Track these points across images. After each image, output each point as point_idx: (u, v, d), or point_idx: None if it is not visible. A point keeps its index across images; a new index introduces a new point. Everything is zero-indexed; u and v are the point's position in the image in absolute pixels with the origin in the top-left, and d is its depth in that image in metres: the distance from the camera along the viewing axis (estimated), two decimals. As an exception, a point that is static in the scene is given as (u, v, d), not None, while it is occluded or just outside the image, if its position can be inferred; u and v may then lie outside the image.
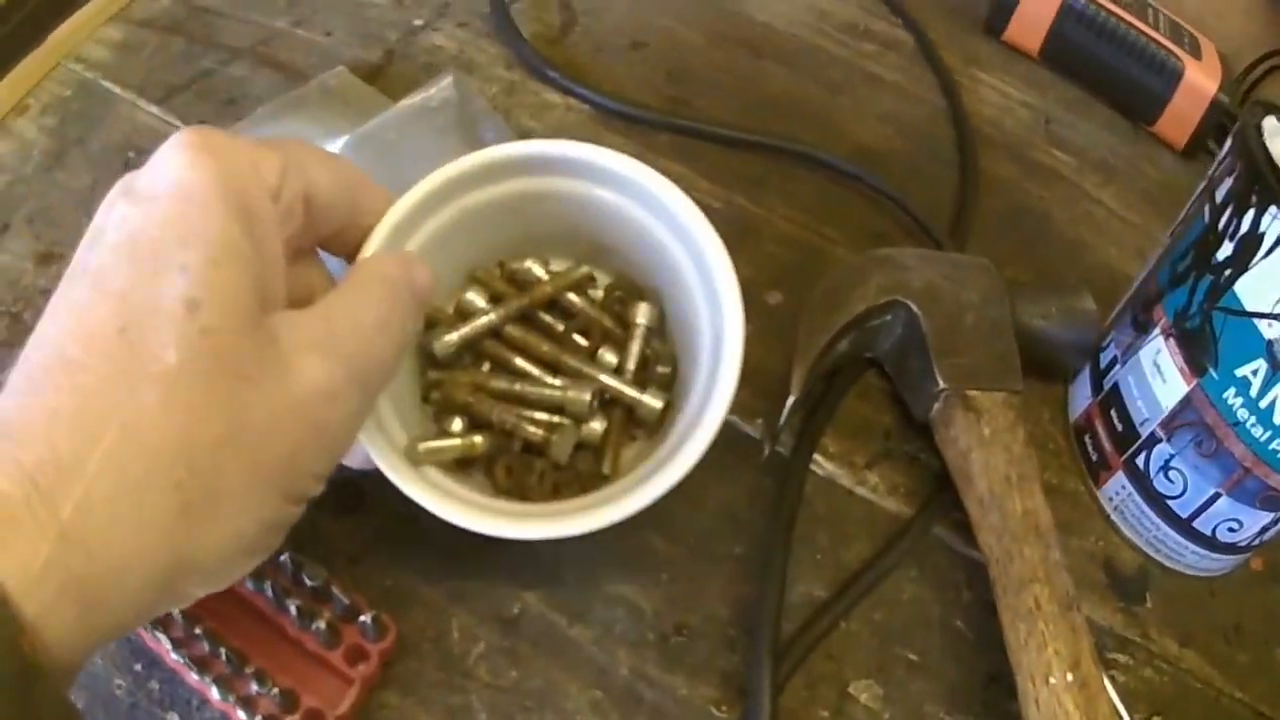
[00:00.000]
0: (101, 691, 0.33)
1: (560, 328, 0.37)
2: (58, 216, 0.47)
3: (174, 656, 0.34)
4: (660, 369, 0.36)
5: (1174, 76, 0.49)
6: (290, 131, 0.44)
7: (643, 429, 0.35)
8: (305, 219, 0.28)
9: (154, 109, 0.50)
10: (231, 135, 0.26)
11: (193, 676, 0.34)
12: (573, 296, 0.37)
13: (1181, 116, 0.50)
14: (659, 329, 0.37)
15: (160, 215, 0.24)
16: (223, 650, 0.33)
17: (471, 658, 0.34)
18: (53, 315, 0.24)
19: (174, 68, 0.52)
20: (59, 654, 0.22)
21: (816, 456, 0.39)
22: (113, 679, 0.34)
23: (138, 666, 0.34)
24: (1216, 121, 0.49)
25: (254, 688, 0.33)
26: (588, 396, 0.34)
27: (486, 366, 0.36)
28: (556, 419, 0.34)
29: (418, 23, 0.52)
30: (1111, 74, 0.51)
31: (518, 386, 0.35)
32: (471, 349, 0.36)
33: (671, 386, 0.36)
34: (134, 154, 0.49)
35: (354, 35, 0.51)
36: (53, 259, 0.46)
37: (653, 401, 0.34)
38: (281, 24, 0.52)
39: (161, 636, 0.34)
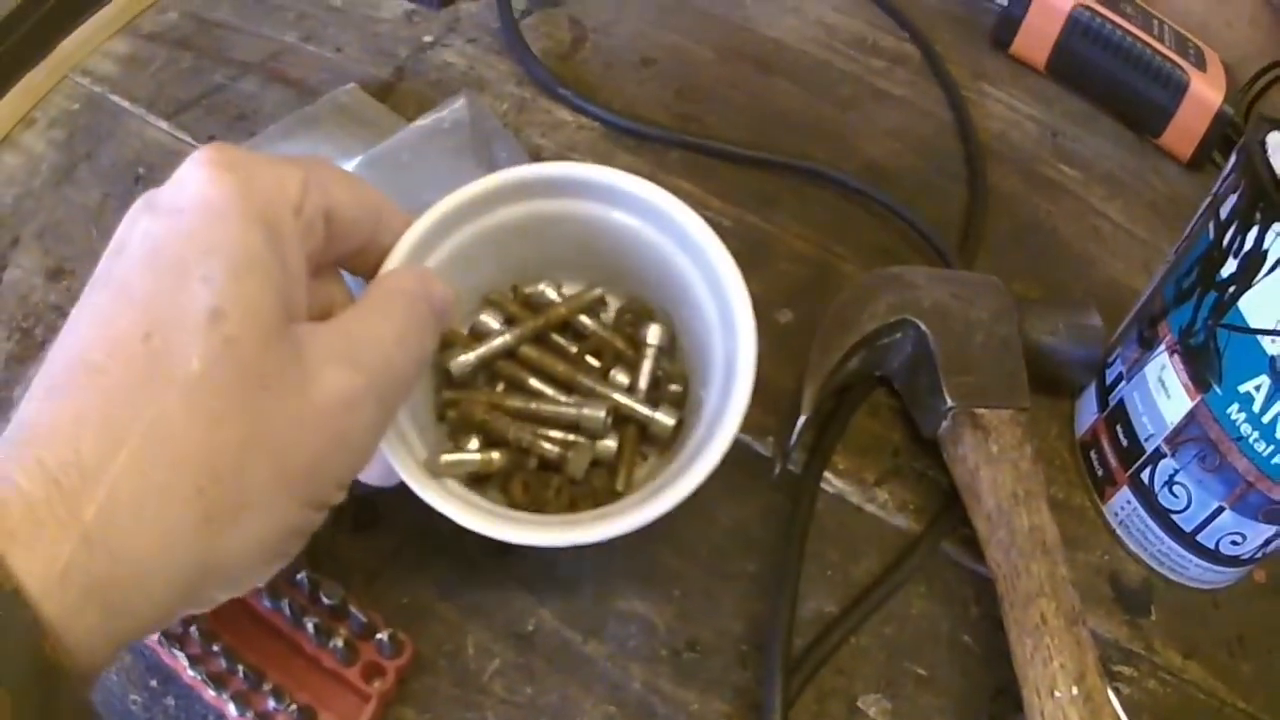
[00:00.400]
0: (117, 707, 0.34)
1: (573, 349, 0.38)
2: (67, 232, 0.48)
3: (191, 673, 0.34)
4: (672, 388, 0.37)
5: (1179, 89, 0.50)
6: (303, 150, 0.45)
7: (655, 446, 0.37)
8: (326, 236, 0.29)
9: (163, 124, 0.51)
10: (252, 152, 0.27)
11: (209, 693, 0.34)
12: (585, 319, 0.38)
13: (1187, 128, 0.51)
14: (670, 349, 0.38)
15: (184, 228, 0.25)
16: (240, 667, 0.34)
17: (487, 674, 0.35)
18: (75, 324, 0.25)
19: (183, 83, 0.53)
20: (80, 657, 0.23)
21: (827, 474, 0.40)
22: (128, 695, 0.35)
23: (153, 683, 0.35)
24: (1221, 133, 0.50)
25: (271, 704, 0.34)
26: (603, 413, 0.35)
27: (501, 387, 0.37)
28: (571, 437, 0.36)
29: (428, 39, 0.53)
30: (1117, 87, 0.52)
31: (533, 405, 0.36)
32: (486, 369, 0.37)
33: (683, 404, 0.37)
34: (144, 170, 0.50)
35: (364, 51, 0.52)
36: (62, 274, 0.47)
37: (665, 419, 0.36)
38: (291, 39, 0.53)
39: (178, 653, 0.34)
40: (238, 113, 0.50)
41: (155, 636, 0.35)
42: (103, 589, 0.23)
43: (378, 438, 0.29)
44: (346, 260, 0.32)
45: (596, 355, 0.38)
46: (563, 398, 0.36)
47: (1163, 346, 0.36)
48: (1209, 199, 0.35)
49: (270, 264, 0.25)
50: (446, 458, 0.34)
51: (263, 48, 0.53)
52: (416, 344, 0.29)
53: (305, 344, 0.26)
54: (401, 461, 0.32)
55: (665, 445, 0.36)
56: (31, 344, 0.44)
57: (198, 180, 0.26)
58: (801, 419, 0.36)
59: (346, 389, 0.26)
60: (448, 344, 0.37)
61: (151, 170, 0.50)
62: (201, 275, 0.24)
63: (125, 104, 0.53)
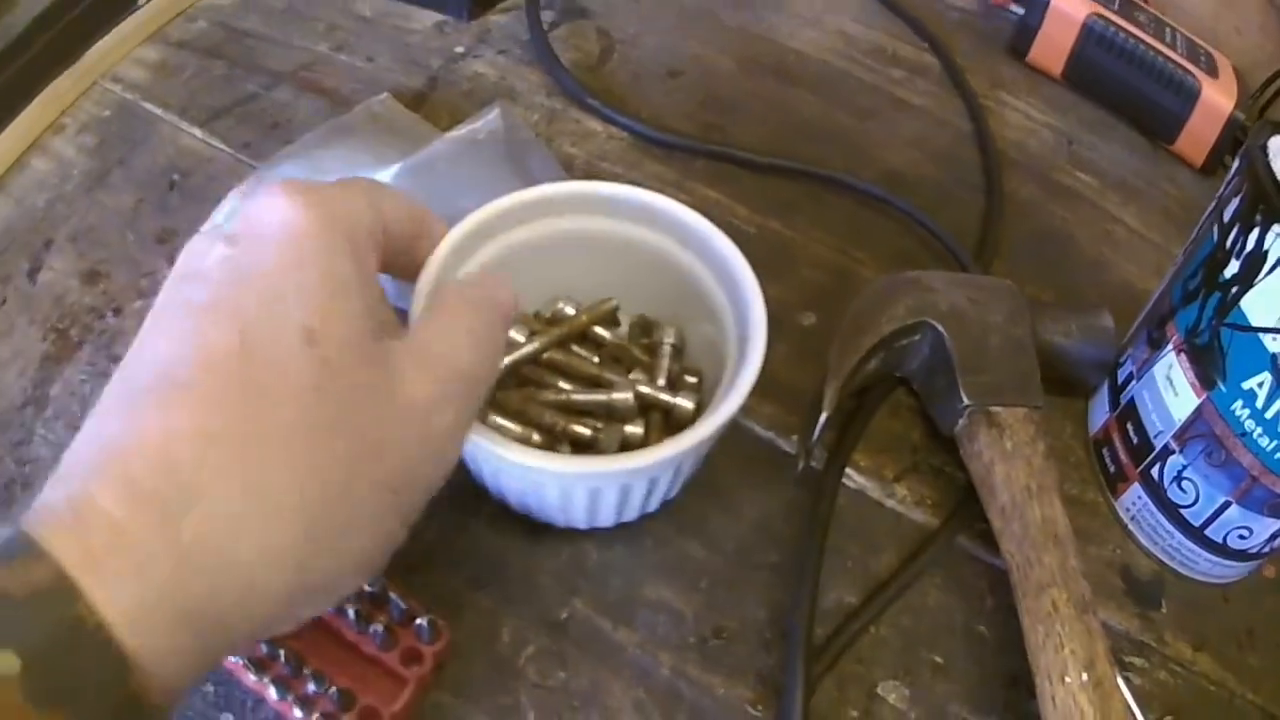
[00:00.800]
0: None
1: (595, 360, 0.42)
2: (101, 236, 0.51)
3: (233, 659, 0.37)
4: (688, 379, 0.42)
5: (1191, 95, 0.54)
6: (340, 157, 0.49)
7: (677, 434, 0.41)
8: (380, 248, 0.31)
9: (197, 131, 0.55)
10: (314, 182, 0.30)
11: (250, 677, 0.37)
12: (601, 330, 0.43)
13: (1199, 135, 0.55)
14: (683, 349, 0.43)
15: (273, 256, 0.26)
16: (281, 652, 0.37)
17: (521, 660, 0.38)
18: (151, 345, 0.26)
19: (216, 91, 0.57)
20: (168, 683, 0.23)
21: (848, 470, 0.43)
22: None
23: None
24: (1233, 139, 0.54)
25: (311, 688, 0.36)
26: (631, 396, 0.39)
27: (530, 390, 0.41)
28: (600, 424, 0.40)
29: (459, 50, 0.57)
30: (1131, 94, 0.56)
31: (564, 397, 0.40)
32: (515, 375, 0.42)
33: (700, 392, 0.41)
34: (178, 176, 0.54)
35: (396, 62, 0.56)
36: (98, 277, 0.50)
37: (685, 403, 0.40)
38: (323, 49, 0.57)
39: None
40: (271, 121, 0.54)
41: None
42: (198, 614, 0.23)
43: (460, 442, 0.31)
44: (387, 265, 0.34)
45: (615, 361, 0.43)
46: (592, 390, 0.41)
47: (1170, 346, 0.40)
48: (1214, 203, 0.39)
49: (359, 286, 0.28)
50: (494, 418, 0.39)
51: (294, 57, 0.57)
52: (490, 346, 0.32)
53: (391, 357, 0.28)
54: None
55: (685, 428, 0.40)
56: (67, 344, 0.48)
57: (279, 208, 0.27)
58: (823, 416, 0.40)
59: (429, 396, 0.28)
60: None
61: (186, 176, 0.54)
62: (295, 296, 0.26)
63: (157, 111, 0.57)
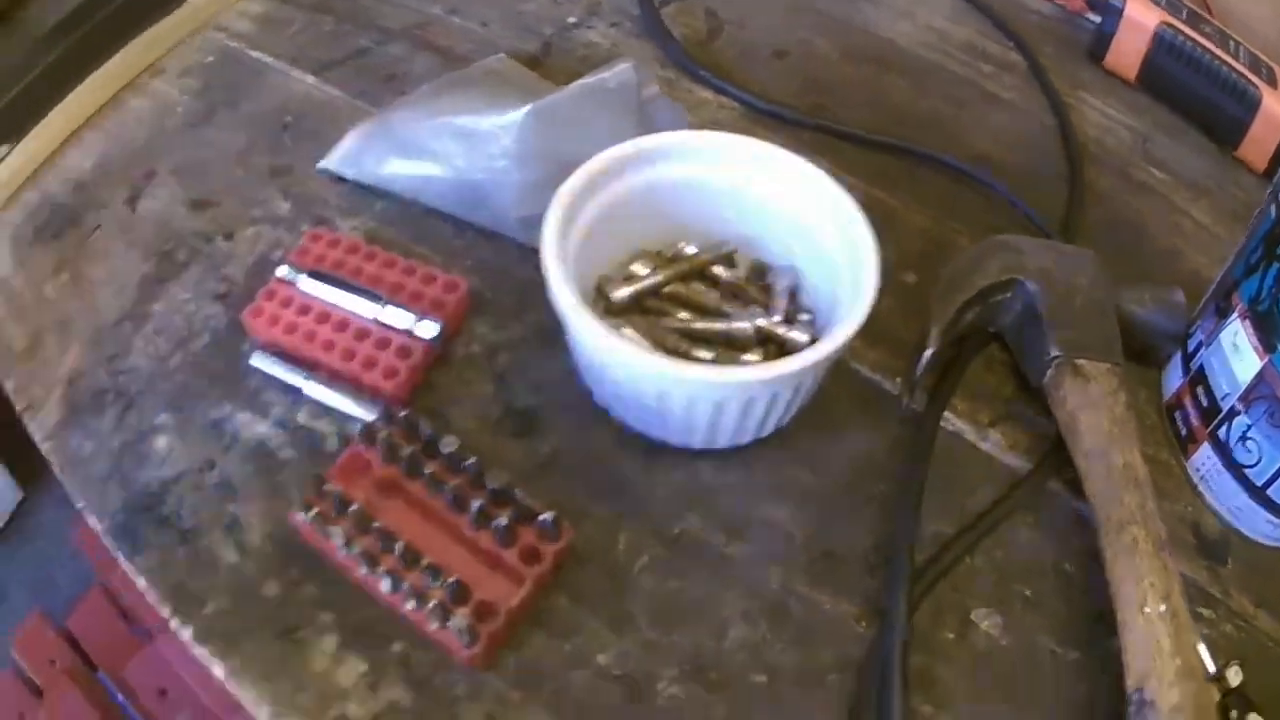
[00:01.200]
0: (249, 593, 0.42)
1: (715, 295, 0.49)
2: (208, 169, 0.58)
3: (343, 552, 0.40)
4: (802, 317, 0.48)
5: (1253, 104, 0.63)
6: (455, 103, 0.55)
7: None
8: None
9: (310, 79, 0.62)
10: None
11: (361, 571, 0.40)
12: (719, 269, 0.50)
13: (1261, 141, 0.63)
14: (797, 293, 0.50)
15: None
16: (396, 545, 0.40)
17: (636, 569, 0.44)
18: None
19: (326, 44, 0.64)
20: None
21: (946, 414, 0.50)
22: (266, 581, 0.42)
23: (293, 571, 0.42)
24: (1293, 147, 0.63)
25: (426, 581, 0.40)
26: (749, 325, 0.46)
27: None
28: (719, 351, 0.47)
29: (571, 20, 0.65)
30: (1199, 100, 0.65)
31: (686, 325, 0.47)
32: (639, 305, 0.48)
33: (813, 329, 0.48)
34: (291, 118, 0.61)
35: (510, 28, 0.64)
36: (207, 205, 0.56)
37: (800, 336, 0.47)
38: (436, 11, 0.65)
39: (335, 530, 0.40)
40: (387, 73, 0.62)
41: (305, 518, 0.41)
42: None
43: None
44: None
45: (734, 297, 0.50)
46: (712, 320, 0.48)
47: (1235, 314, 0.47)
48: (1271, 186, 0.47)
49: None
50: (625, 330, 0.45)
51: (405, 17, 0.65)
52: None
53: None
54: (582, 313, 0.42)
55: None
56: (172, 265, 0.54)
57: None
58: (928, 352, 0.47)
59: None
60: (603, 283, 0.48)
61: (299, 119, 0.61)
62: None
63: (266, 59, 0.64)
